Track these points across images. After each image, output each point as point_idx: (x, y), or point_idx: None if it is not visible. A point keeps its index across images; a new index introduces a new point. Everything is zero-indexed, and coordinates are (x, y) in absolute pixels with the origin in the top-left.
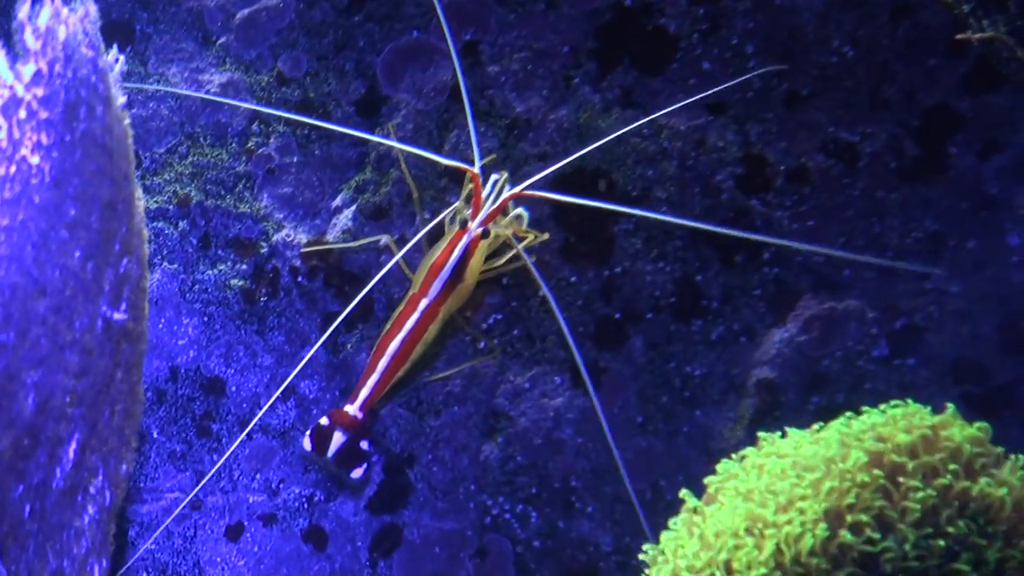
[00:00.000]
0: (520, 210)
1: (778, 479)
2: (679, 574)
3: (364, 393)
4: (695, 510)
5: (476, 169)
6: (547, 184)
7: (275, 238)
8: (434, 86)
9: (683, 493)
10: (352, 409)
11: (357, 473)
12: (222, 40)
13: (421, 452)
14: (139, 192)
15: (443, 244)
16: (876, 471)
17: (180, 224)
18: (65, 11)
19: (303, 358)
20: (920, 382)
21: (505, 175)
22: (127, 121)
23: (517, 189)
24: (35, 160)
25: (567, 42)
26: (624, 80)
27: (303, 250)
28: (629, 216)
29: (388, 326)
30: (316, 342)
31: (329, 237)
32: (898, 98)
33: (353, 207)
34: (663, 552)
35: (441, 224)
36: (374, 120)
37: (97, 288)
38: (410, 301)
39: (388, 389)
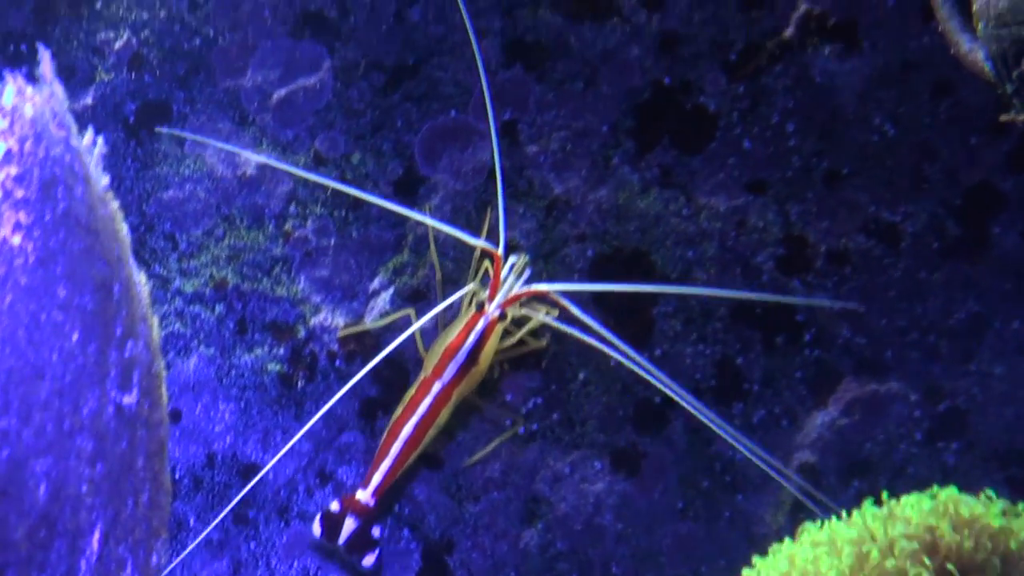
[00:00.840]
0: (544, 314)
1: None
2: None
3: (376, 479)
4: None
5: (500, 251)
6: (586, 269)
7: (312, 322)
8: (473, 166)
9: None
10: (364, 495)
11: (369, 560)
12: (259, 120)
13: (460, 538)
14: (140, 276)
15: (459, 326)
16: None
17: (217, 308)
18: (30, 90)
19: (342, 444)
20: (963, 466)
21: (525, 258)
22: (114, 204)
23: (541, 287)
24: (16, 240)
25: (606, 121)
26: (663, 159)
27: (340, 334)
28: (666, 297)
29: (400, 410)
30: (354, 427)
31: (367, 320)
32: (940, 177)
33: (391, 289)
34: None
35: (456, 305)
36: (412, 201)
37: (102, 371)
38: (422, 384)
39: (401, 473)
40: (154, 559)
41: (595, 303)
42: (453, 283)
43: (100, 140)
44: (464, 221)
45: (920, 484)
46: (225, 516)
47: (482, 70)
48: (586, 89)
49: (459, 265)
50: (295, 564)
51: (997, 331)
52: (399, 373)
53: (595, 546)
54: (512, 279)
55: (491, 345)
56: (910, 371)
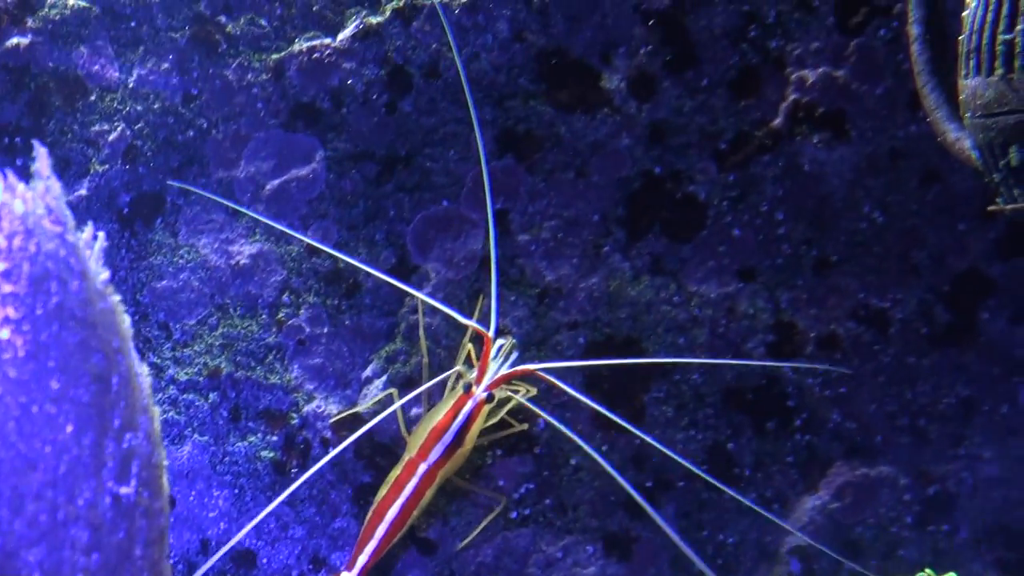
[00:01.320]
0: (528, 387)
1: None
2: None
3: (362, 560)
4: None
5: (491, 333)
6: (578, 356)
7: (306, 409)
8: (464, 255)
9: None
10: None
11: None
12: (253, 211)
13: None
14: (143, 368)
15: (444, 408)
16: None
17: (211, 396)
18: (21, 186)
19: (335, 529)
20: (954, 548)
21: (512, 341)
22: (114, 298)
23: (528, 367)
24: (4, 334)
25: (597, 210)
26: (654, 248)
27: (333, 421)
28: (657, 384)
29: (384, 490)
30: (347, 513)
31: (360, 408)
32: (928, 263)
33: (384, 377)
34: None
35: (440, 388)
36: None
37: (98, 463)
38: (408, 465)
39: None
40: None
41: (586, 389)
42: (443, 370)
43: (101, 235)
44: (458, 303)
45: (911, 567)
46: None
47: (482, 151)
48: (577, 178)
49: (451, 353)
50: None
51: (986, 415)
52: (392, 460)
53: None
54: (499, 361)
55: (477, 426)
56: (900, 455)
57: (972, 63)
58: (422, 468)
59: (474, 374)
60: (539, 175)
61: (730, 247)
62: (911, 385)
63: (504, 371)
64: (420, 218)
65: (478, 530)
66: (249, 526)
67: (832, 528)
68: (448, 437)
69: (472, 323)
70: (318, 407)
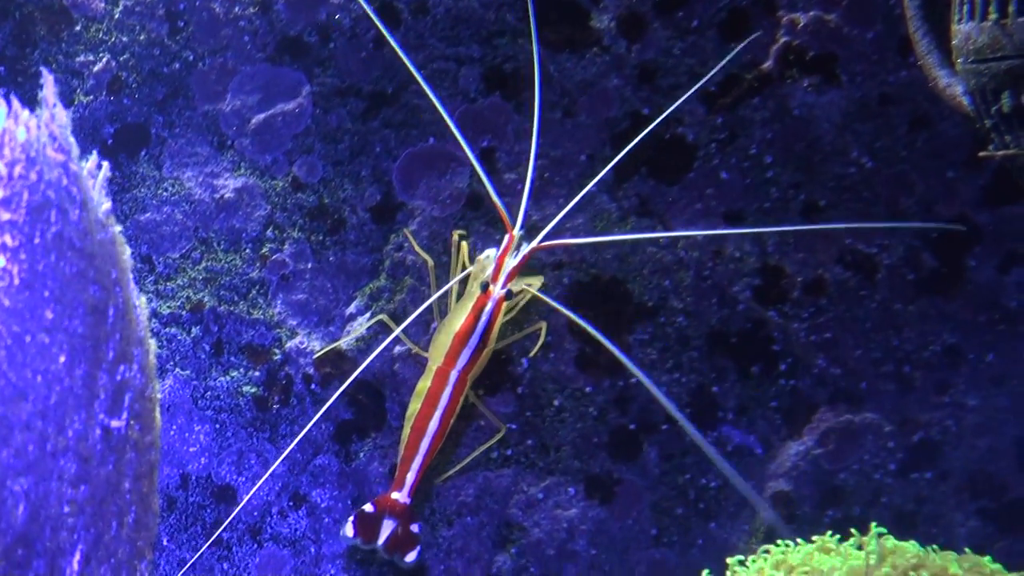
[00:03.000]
0: (540, 278)
1: None
2: None
3: (410, 478)
4: None
5: (517, 229)
6: (563, 296)
7: (288, 345)
8: (450, 193)
9: None
10: (400, 496)
11: (411, 557)
12: (237, 144)
13: (433, 563)
14: (141, 300)
15: (462, 312)
16: None
17: (193, 330)
18: (25, 113)
19: (316, 467)
20: (936, 496)
21: (520, 234)
22: (116, 228)
23: (535, 242)
24: (0, 262)
25: (584, 150)
26: (641, 189)
27: (316, 356)
28: (643, 326)
29: (418, 405)
30: (329, 451)
31: (343, 345)
32: (916, 210)
33: (367, 314)
34: None
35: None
36: (389, 226)
37: (90, 395)
38: (437, 375)
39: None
40: None
41: (571, 333)
42: (443, 274)
43: (105, 165)
44: (441, 247)
45: (894, 514)
46: (198, 538)
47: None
48: (564, 118)
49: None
50: None
51: (971, 363)
52: (375, 398)
53: (568, 572)
54: (513, 256)
55: (498, 324)
56: (885, 402)
57: (965, 8)
58: (453, 375)
59: (489, 273)
60: (527, 114)
61: (717, 189)
62: (897, 332)
63: (515, 262)
64: (406, 155)
65: (476, 452)
66: (281, 457)
67: (816, 474)
68: (474, 340)
69: (506, 213)
70: (301, 343)
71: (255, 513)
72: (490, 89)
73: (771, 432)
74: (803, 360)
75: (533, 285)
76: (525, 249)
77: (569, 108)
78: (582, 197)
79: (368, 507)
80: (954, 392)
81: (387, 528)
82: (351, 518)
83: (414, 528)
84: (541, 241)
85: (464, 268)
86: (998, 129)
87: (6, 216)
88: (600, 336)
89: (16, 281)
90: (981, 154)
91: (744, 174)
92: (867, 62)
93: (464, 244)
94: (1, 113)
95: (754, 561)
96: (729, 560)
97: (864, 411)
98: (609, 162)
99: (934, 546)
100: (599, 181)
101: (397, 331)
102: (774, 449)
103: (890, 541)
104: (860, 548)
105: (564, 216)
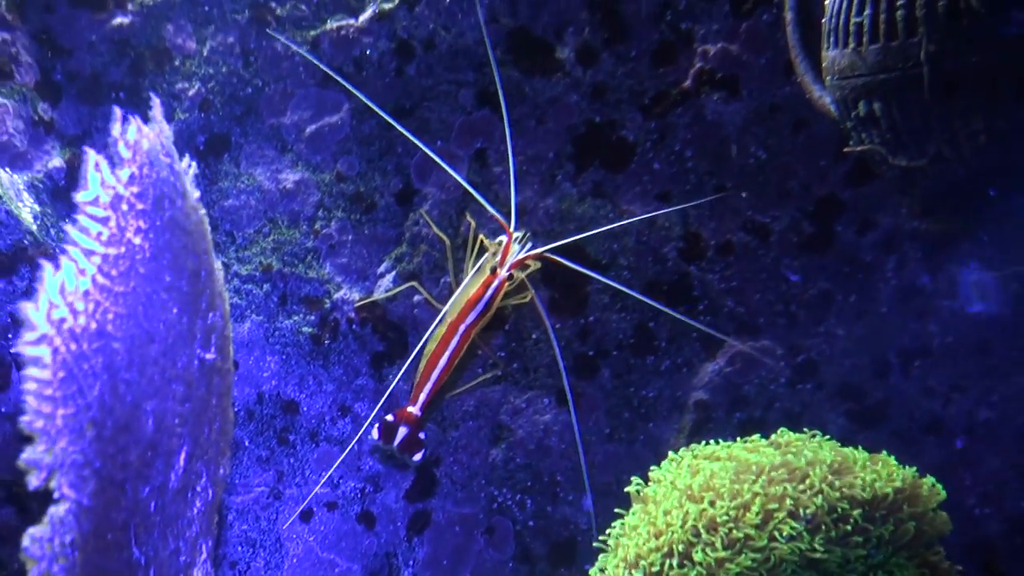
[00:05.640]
0: (535, 264)
1: (714, 478)
2: (637, 552)
3: (422, 397)
4: (646, 499)
5: (512, 228)
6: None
7: (335, 296)
8: (453, 182)
9: (634, 484)
10: (414, 409)
11: (417, 457)
12: (296, 148)
13: (445, 455)
14: (218, 263)
15: (475, 284)
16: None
17: (264, 286)
18: (145, 128)
19: (358, 386)
20: (816, 401)
21: (527, 233)
22: (202, 211)
23: (538, 251)
24: (137, 241)
25: (552, 149)
26: (595, 177)
27: (356, 305)
28: (596, 279)
29: (432, 346)
30: (366, 374)
31: (376, 295)
32: (798, 190)
33: (394, 272)
34: (621, 534)
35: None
36: (409, 207)
37: (191, 335)
38: (450, 326)
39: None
40: (221, 471)
41: (545, 284)
42: (445, 262)
43: (193, 164)
44: (448, 222)
45: (785, 415)
46: (270, 438)
47: (497, 73)
48: (537, 125)
49: (443, 254)
50: (323, 474)
51: (840, 303)
52: (399, 334)
53: (544, 461)
54: (515, 248)
55: (499, 296)
56: (777, 332)
57: (832, 39)
58: (462, 328)
59: (498, 258)
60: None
61: (651, 177)
62: (785, 280)
63: (519, 256)
64: (420, 154)
65: (478, 381)
66: (389, 389)
67: (726, 386)
68: (480, 306)
69: (501, 219)
70: (344, 294)
71: (313, 421)
72: (481, 104)
73: (692, 356)
74: (716, 302)
75: (527, 271)
76: (529, 250)
77: (540, 117)
78: (584, 233)
79: (389, 417)
80: (827, 324)
81: (401, 434)
82: (376, 424)
83: (422, 435)
84: (544, 251)
85: (474, 245)
86: (856, 130)
87: (140, 206)
88: (589, 272)
89: (147, 255)
90: (845, 149)
91: (671, 165)
92: (761, 80)
93: (475, 229)
94: (132, 129)
95: (683, 454)
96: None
97: (762, 339)
98: (571, 159)
99: (817, 432)
100: (565, 172)
101: (449, 304)
102: (695, 368)
103: (785, 435)
104: (771, 446)
105: (539, 201)
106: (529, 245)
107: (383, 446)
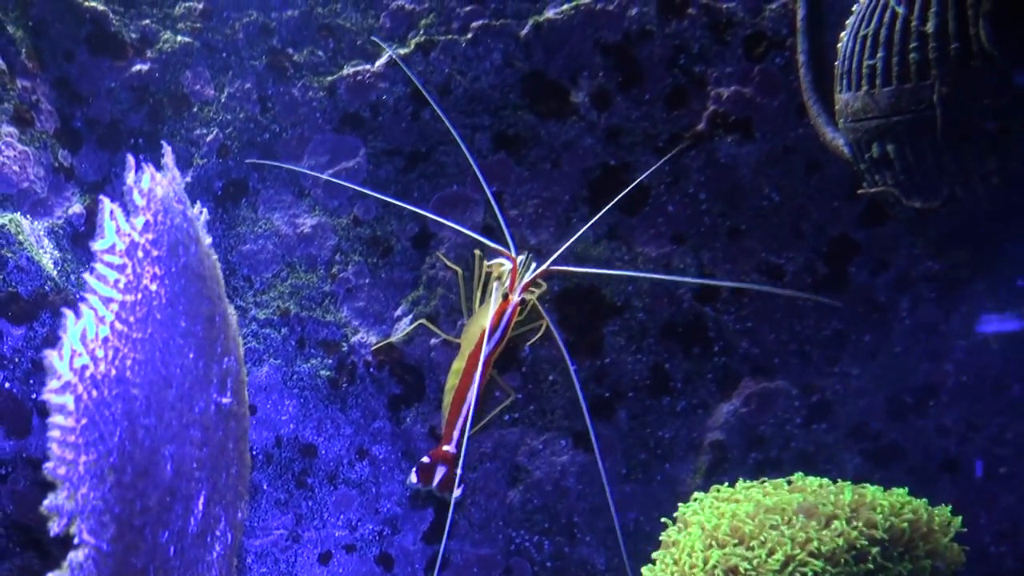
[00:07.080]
0: (544, 284)
1: (739, 521)
2: None
3: (456, 435)
4: (672, 543)
5: (515, 255)
6: (554, 298)
7: (353, 340)
8: (469, 225)
9: (668, 530)
10: (450, 448)
11: (457, 493)
12: (313, 193)
13: (463, 497)
14: (231, 308)
15: (488, 313)
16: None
17: (282, 330)
18: (159, 176)
19: (375, 429)
20: (830, 441)
21: (530, 255)
22: (214, 257)
23: (545, 266)
24: (153, 287)
25: (567, 192)
26: (610, 219)
27: (373, 348)
28: (613, 320)
29: (456, 381)
30: (383, 417)
31: (393, 339)
32: (812, 231)
33: (410, 316)
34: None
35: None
36: (425, 251)
37: (207, 379)
38: (470, 358)
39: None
40: (239, 515)
41: (562, 325)
42: (459, 303)
43: (204, 211)
44: (464, 265)
45: (800, 455)
46: (288, 481)
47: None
48: (552, 169)
49: (458, 295)
50: (341, 517)
51: (853, 342)
52: (417, 377)
53: (561, 502)
54: (523, 272)
55: (514, 322)
56: (791, 372)
57: (845, 82)
58: (483, 358)
59: (508, 284)
60: (525, 166)
61: (666, 219)
62: (799, 320)
63: (528, 277)
64: (436, 198)
65: (495, 412)
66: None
67: (742, 427)
68: (498, 334)
69: (503, 249)
70: (362, 338)
71: (331, 464)
72: (497, 148)
73: (708, 396)
74: (731, 343)
75: (537, 292)
76: (536, 269)
77: (556, 160)
78: (575, 237)
79: (425, 459)
80: (841, 364)
81: (439, 473)
82: (414, 469)
83: (458, 471)
84: (549, 265)
85: (482, 277)
86: (869, 171)
87: (155, 252)
88: (557, 334)
89: (163, 301)
90: (859, 191)
91: (685, 207)
92: (774, 123)
93: (480, 260)
94: (146, 177)
95: (705, 496)
96: (681, 505)
97: (776, 379)
98: (586, 202)
99: (830, 479)
100: (580, 214)
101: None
102: (711, 409)
103: (800, 479)
104: (789, 483)
105: (555, 244)
106: (534, 265)
107: (422, 489)
